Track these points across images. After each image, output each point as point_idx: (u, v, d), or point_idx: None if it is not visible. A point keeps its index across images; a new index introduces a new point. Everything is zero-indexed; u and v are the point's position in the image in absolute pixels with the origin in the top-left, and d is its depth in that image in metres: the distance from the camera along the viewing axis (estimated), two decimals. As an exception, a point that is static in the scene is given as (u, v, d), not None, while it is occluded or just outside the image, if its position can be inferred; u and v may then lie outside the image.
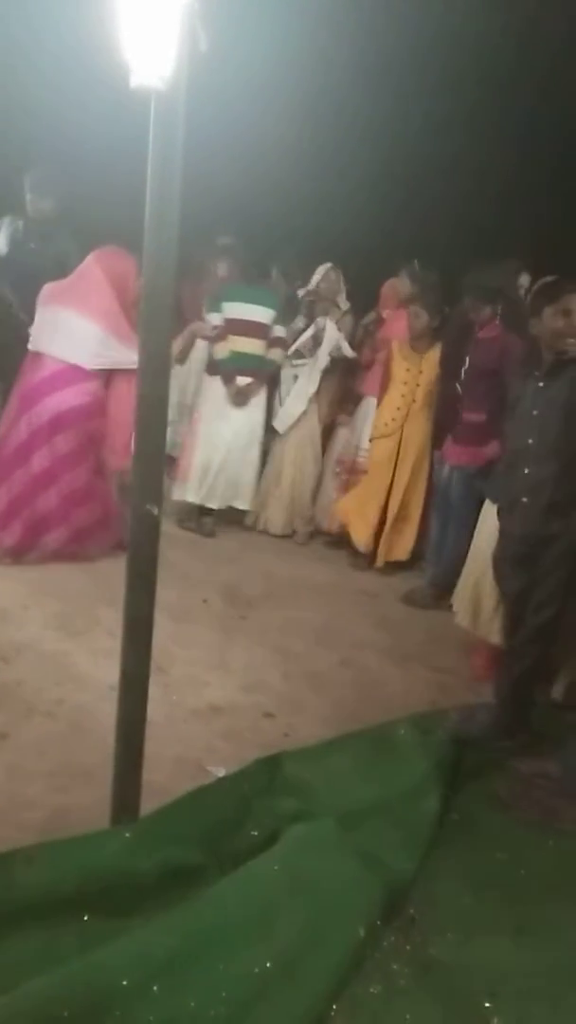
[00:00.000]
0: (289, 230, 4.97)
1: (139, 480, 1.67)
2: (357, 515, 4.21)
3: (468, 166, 4.98)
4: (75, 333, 3.44)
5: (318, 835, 1.90)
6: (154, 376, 1.63)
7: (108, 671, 2.54)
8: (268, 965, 1.52)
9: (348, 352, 4.44)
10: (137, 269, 3.34)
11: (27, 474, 3.47)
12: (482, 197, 4.98)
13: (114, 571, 3.44)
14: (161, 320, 1.61)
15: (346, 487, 4.45)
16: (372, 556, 4.20)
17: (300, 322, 4.46)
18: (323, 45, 4.32)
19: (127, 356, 3.34)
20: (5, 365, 3.91)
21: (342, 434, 4.61)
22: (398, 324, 4.25)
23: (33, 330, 3.54)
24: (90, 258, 3.57)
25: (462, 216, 4.91)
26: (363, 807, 2.10)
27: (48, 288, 3.56)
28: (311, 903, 1.72)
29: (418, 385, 4.06)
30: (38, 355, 3.51)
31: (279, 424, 4.49)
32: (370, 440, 4.24)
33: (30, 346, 3.53)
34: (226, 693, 2.66)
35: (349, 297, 4.63)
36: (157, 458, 1.69)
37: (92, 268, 3.53)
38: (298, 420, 4.51)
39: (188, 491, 4.35)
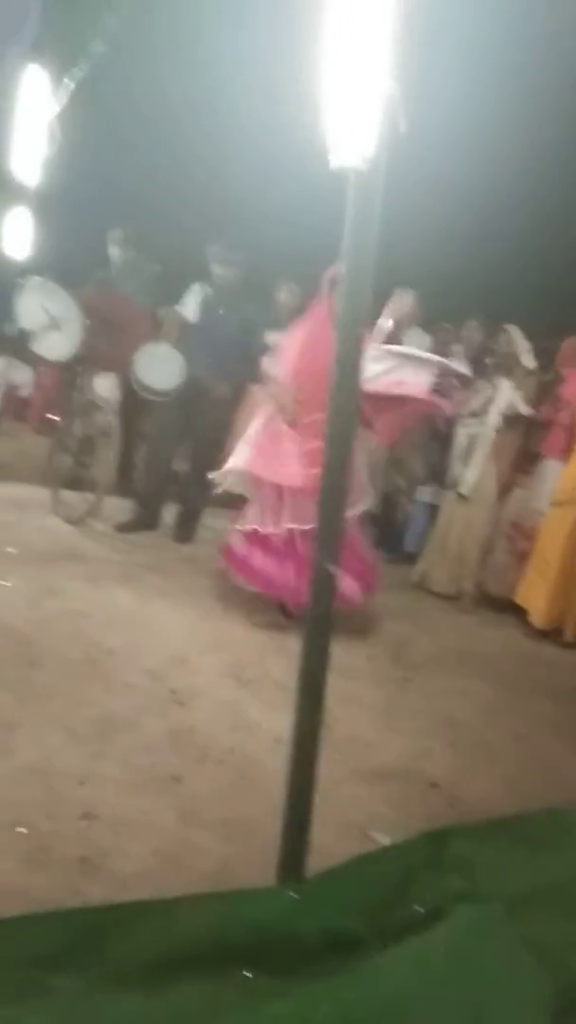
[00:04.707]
0: (471, 293, 5.02)
1: (320, 538, 1.72)
2: (540, 594, 4.04)
3: None
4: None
5: (486, 919, 1.81)
6: (339, 439, 1.68)
7: (276, 723, 2.60)
8: (429, 1051, 1.46)
9: (523, 410, 4.34)
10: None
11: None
12: None
13: (284, 623, 3.53)
14: (349, 388, 1.66)
15: (520, 554, 4.31)
16: (553, 631, 4.01)
17: (482, 384, 4.43)
18: (506, 118, 4.38)
19: None
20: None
21: (518, 496, 4.49)
22: (582, 383, 4.12)
23: None
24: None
25: None
26: (534, 895, 1.98)
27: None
28: (477, 991, 1.63)
29: (613, 448, 3.89)
30: None
31: (464, 488, 4.44)
32: (551, 506, 4.09)
33: None
34: (391, 758, 2.62)
35: (537, 357, 4.54)
36: (338, 518, 1.72)
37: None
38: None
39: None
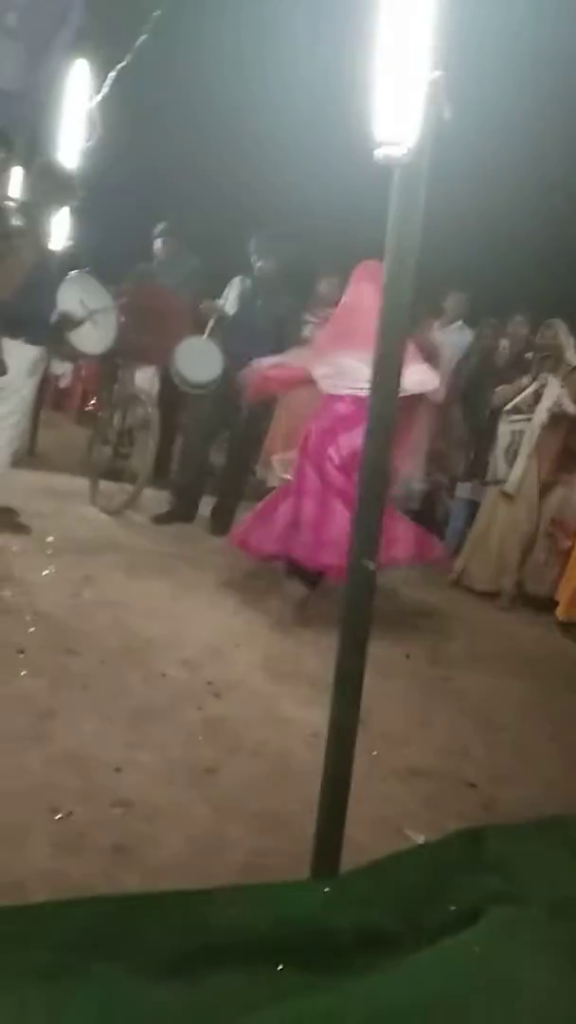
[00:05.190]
0: (518, 288, 4.95)
1: (358, 535, 1.70)
2: (570, 586, 3.99)
3: None
4: (360, 371, 3.32)
5: (524, 922, 1.78)
6: (379, 437, 1.66)
7: (310, 717, 2.60)
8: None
9: (570, 408, 4.27)
10: None
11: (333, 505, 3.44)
12: None
13: (320, 615, 3.53)
14: (389, 383, 1.64)
15: (563, 552, 4.24)
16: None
17: (526, 379, 4.36)
18: (554, 109, 4.30)
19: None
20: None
21: (560, 494, 4.41)
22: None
23: (320, 376, 3.54)
24: (359, 284, 3.49)
25: None
26: (572, 899, 1.95)
27: (323, 337, 3.63)
28: (512, 996, 1.61)
29: None
30: (330, 397, 3.54)
31: (509, 486, 4.38)
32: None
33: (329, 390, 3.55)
34: (427, 756, 2.59)
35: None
36: (377, 515, 1.70)
37: (362, 296, 3.40)
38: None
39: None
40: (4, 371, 3.39)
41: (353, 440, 3.38)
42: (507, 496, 4.37)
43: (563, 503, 4.35)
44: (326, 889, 1.75)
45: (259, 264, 4.72)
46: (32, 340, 3.82)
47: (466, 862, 2.01)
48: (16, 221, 3.48)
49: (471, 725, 2.85)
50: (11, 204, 3.56)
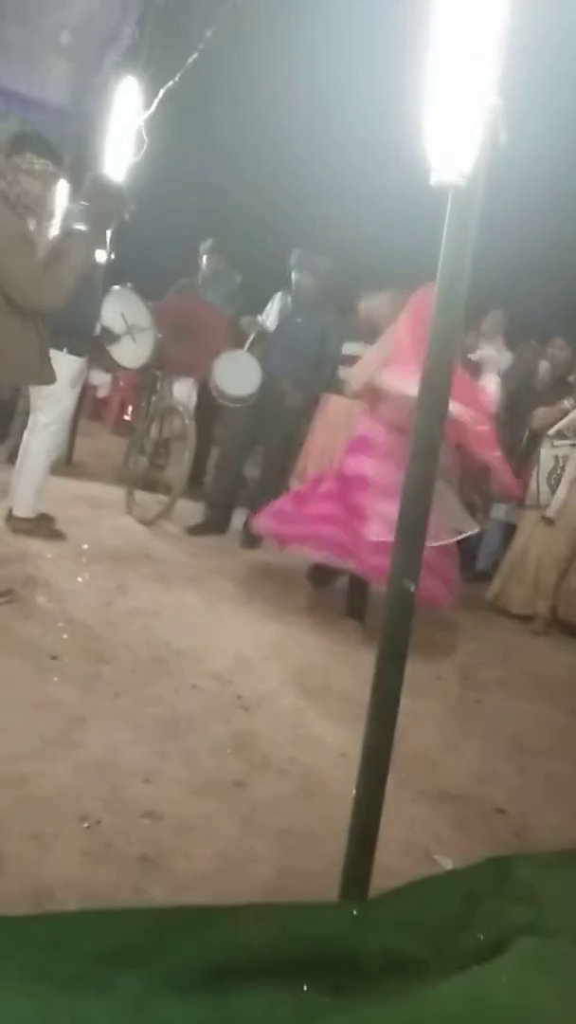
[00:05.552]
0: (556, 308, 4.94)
1: (399, 555, 1.70)
2: None
3: None
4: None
5: (553, 954, 1.75)
6: (424, 456, 1.66)
7: (338, 736, 2.59)
8: None
9: (612, 435, 4.24)
10: None
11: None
12: None
13: (351, 634, 3.52)
14: (436, 405, 1.64)
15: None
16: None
17: (568, 403, 4.34)
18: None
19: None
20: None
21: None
22: None
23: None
24: (407, 313, 3.58)
25: None
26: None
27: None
28: (540, 1029, 1.58)
29: None
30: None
31: (552, 512, 4.34)
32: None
33: None
34: (457, 779, 2.56)
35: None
36: (419, 536, 1.70)
37: (406, 320, 3.53)
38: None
39: None
40: (52, 380, 3.44)
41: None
42: (548, 521, 4.33)
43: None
44: (354, 911, 1.74)
45: (296, 279, 4.75)
46: (75, 351, 3.88)
47: (495, 891, 1.99)
48: (76, 225, 3.55)
49: (502, 750, 2.82)
50: (73, 207, 3.63)
